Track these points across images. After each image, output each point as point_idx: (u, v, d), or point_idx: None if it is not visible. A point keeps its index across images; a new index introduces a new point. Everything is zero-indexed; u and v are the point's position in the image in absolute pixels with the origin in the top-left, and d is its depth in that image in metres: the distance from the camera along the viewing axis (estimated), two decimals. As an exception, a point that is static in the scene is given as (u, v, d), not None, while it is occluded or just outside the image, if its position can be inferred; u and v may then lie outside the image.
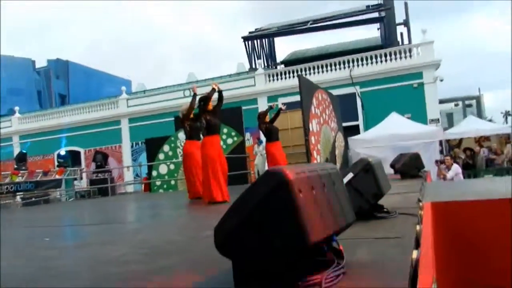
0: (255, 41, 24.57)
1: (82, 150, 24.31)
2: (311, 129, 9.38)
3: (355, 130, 17.10)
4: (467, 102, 26.15)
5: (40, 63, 44.51)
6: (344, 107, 17.36)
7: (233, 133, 12.09)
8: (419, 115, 16.86)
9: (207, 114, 6.00)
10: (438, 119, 17.09)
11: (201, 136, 6.44)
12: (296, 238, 1.40)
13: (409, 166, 6.54)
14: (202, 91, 21.51)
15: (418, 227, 2.36)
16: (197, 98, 6.46)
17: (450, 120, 28.06)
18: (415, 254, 1.71)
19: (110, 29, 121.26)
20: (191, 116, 6.84)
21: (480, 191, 4.55)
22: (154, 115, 22.00)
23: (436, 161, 11.47)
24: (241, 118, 12.07)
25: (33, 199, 12.33)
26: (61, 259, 2.51)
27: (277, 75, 20.36)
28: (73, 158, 24.73)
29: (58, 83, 43.55)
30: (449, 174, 10.33)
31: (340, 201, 1.73)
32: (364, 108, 18.50)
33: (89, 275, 2.04)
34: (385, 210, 3.00)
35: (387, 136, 12.20)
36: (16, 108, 26.65)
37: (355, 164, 2.90)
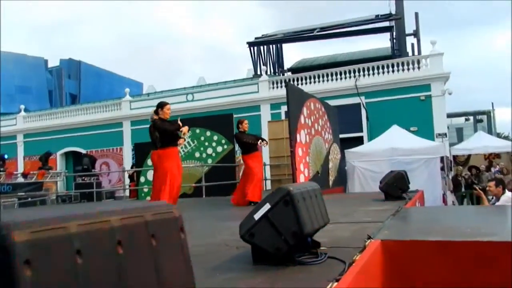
0: (262, 47, 24.03)
1: (83, 151, 24.01)
2: (298, 140, 8.80)
3: (359, 142, 16.40)
4: (478, 117, 25.14)
5: (53, 62, 44.73)
6: (349, 117, 16.75)
7: (223, 141, 11.57)
8: (426, 129, 16.15)
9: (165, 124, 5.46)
10: (445, 134, 16.29)
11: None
12: None
13: (392, 187, 5.90)
14: (211, 95, 21.01)
15: (329, 286, 1.78)
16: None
17: (459, 135, 27.04)
18: None
19: (124, 30, 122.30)
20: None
21: (463, 227, 3.80)
22: (155, 119, 21.52)
23: None
24: (232, 125, 11.50)
25: (29, 199, 12.17)
26: None
27: (281, 82, 19.74)
28: (74, 159, 24.50)
29: (70, 82, 43.63)
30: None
31: (159, 264, 1.17)
32: (369, 119, 17.81)
33: None
34: (314, 251, 2.42)
35: (385, 150, 11.50)
36: (22, 107, 26.56)
37: (275, 192, 2.32)
